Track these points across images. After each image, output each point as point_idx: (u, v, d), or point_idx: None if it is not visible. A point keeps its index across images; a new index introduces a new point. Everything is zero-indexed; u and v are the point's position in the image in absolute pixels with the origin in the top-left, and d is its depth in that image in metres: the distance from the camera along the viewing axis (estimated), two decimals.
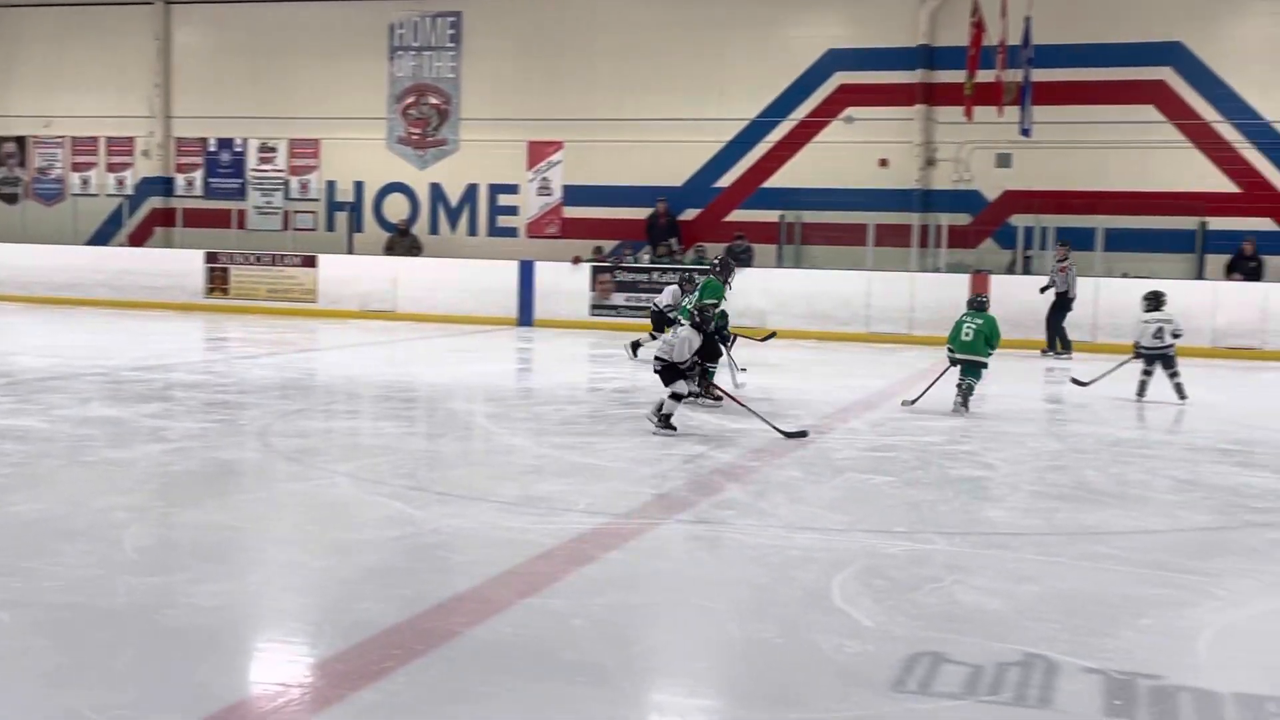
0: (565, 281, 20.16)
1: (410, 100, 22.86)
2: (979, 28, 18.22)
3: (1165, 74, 19.00)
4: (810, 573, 5.49)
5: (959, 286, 18.32)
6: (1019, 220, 19.28)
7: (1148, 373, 12.18)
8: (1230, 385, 14.13)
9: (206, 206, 23.90)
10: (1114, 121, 19.02)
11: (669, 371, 9.22)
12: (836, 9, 20.65)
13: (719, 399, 10.36)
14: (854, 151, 20.24)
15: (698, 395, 10.23)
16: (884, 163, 20.19)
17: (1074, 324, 16.91)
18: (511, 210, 22.36)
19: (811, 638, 4.62)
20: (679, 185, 21.13)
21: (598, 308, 20.01)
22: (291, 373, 13.37)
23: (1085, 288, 17.01)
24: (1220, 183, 18.80)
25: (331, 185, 23.32)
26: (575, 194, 21.89)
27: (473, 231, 22.55)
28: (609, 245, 21.20)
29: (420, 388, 12.63)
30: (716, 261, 11.46)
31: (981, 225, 19.83)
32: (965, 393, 10.82)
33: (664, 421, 9.12)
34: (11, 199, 25.29)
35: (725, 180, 21.09)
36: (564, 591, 5.16)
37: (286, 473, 7.75)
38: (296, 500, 6.99)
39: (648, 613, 5.03)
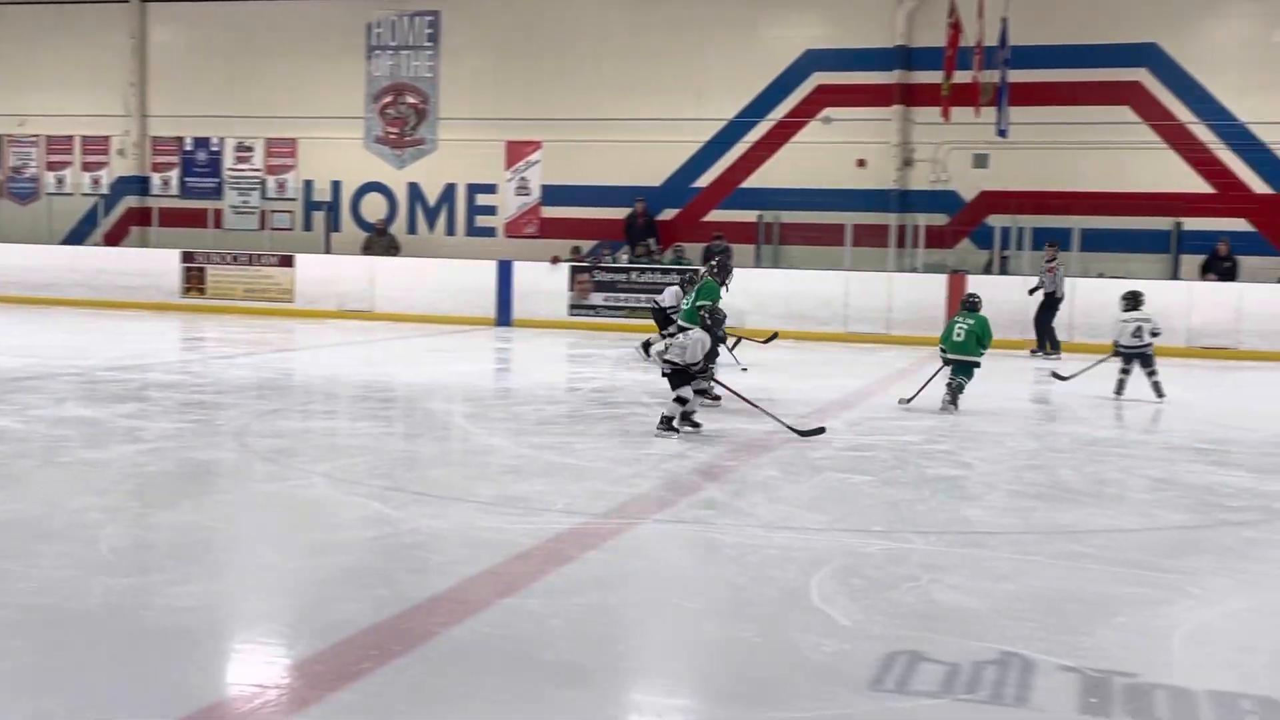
0: (544, 281, 20.15)
1: (388, 100, 22.80)
2: (956, 29, 18.29)
3: (1141, 75, 19.11)
4: (788, 572, 5.49)
5: (936, 287, 18.43)
6: (996, 220, 19.36)
7: (1125, 371, 12.29)
8: (1205, 385, 14.22)
9: (183, 206, 23.80)
10: (1090, 122, 19.12)
11: (678, 375, 9.20)
12: (814, 10, 20.69)
13: (717, 399, 10.36)
14: (832, 152, 20.29)
15: (705, 394, 10.20)
16: (862, 163, 20.25)
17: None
18: (490, 210, 22.34)
19: (789, 637, 4.62)
20: (657, 185, 21.15)
21: (576, 308, 20.00)
22: (268, 373, 13.32)
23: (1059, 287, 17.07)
24: (1195, 183, 18.92)
25: (309, 185, 23.24)
26: (553, 194, 21.87)
27: (451, 231, 22.52)
28: (587, 245, 21.20)
29: (398, 388, 12.60)
30: (714, 262, 11.44)
31: (959, 225, 19.91)
32: (955, 391, 10.92)
33: (665, 424, 9.11)
34: None
35: (703, 180, 21.11)
36: (542, 591, 5.15)
37: (263, 473, 7.72)
38: (273, 501, 6.96)
39: (626, 612, 5.03)
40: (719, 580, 5.51)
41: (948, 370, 11.15)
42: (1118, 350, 12.36)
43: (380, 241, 21.98)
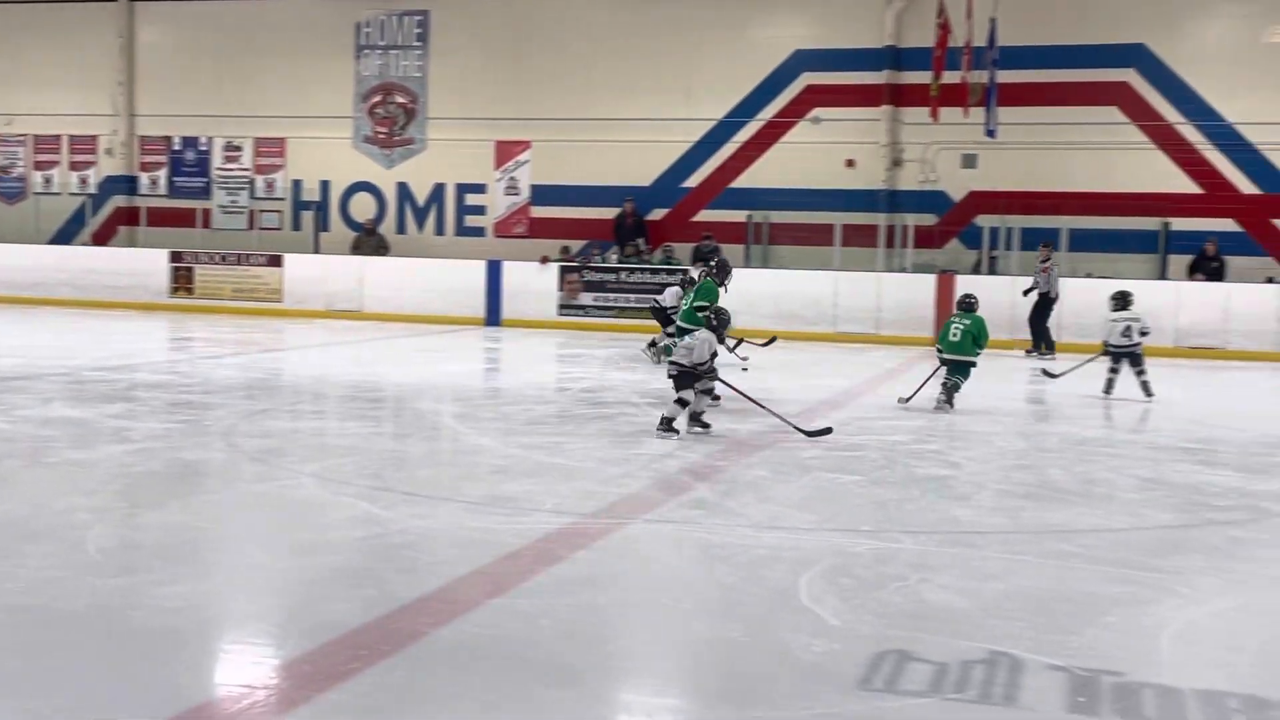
0: (533, 281, 20.14)
1: (377, 99, 22.77)
2: (945, 29, 18.32)
3: (1129, 76, 19.16)
4: (777, 572, 5.50)
5: (925, 287, 18.46)
6: (984, 221, 19.39)
7: (1114, 370, 12.38)
8: (1193, 385, 14.26)
9: (171, 205, 23.75)
10: (1078, 123, 19.16)
11: (684, 376, 9.20)
12: (803, 10, 20.71)
13: (717, 398, 10.35)
14: (821, 152, 20.30)
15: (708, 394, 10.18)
16: (851, 163, 20.27)
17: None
18: (479, 210, 22.32)
19: (778, 636, 4.63)
20: (647, 185, 21.14)
21: (565, 308, 19.99)
22: (257, 373, 13.29)
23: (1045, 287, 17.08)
24: (1183, 184, 18.97)
25: (297, 184, 23.20)
26: (543, 194, 21.86)
27: (440, 231, 22.49)
28: (576, 245, 21.19)
29: (387, 388, 12.58)
30: (713, 263, 11.43)
31: (947, 226, 19.94)
32: (950, 390, 11.01)
33: (666, 425, 9.10)
34: None
35: (693, 180, 21.11)
36: (531, 591, 5.15)
37: (251, 473, 7.71)
38: (261, 501, 6.95)
39: (615, 612, 5.03)
40: (708, 580, 5.51)
41: (945, 370, 11.20)
42: (1107, 349, 12.43)
43: (369, 241, 21.95)
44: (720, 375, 9.41)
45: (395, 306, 20.41)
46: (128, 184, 24.14)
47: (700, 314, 10.74)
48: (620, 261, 20.17)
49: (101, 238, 24.04)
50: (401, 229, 22.62)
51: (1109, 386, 12.34)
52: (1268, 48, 18.75)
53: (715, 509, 6.90)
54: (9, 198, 24.81)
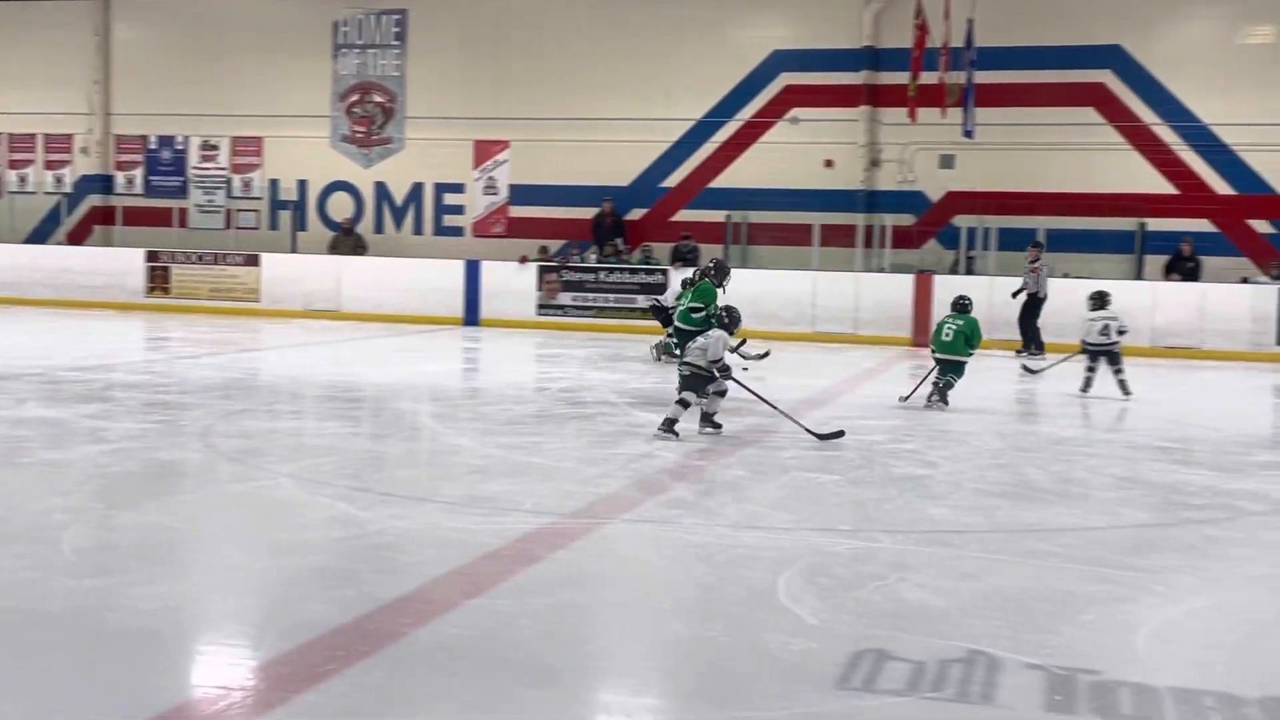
0: (512, 281, 20.11)
1: (355, 98, 22.70)
2: (922, 30, 18.37)
3: (1105, 77, 19.25)
4: (756, 571, 5.51)
5: (904, 287, 18.51)
6: (962, 221, 19.46)
7: (1091, 369, 12.48)
8: (1169, 384, 14.34)
9: (147, 205, 23.62)
10: (1055, 123, 19.24)
11: (695, 378, 9.19)
12: (782, 10, 20.74)
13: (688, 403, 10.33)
14: (799, 152, 20.34)
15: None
16: (829, 163, 20.31)
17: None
18: (457, 209, 22.27)
19: (757, 636, 4.63)
20: (625, 185, 21.14)
21: (544, 307, 19.97)
22: (234, 373, 13.24)
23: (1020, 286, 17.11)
24: (1159, 184, 19.07)
25: (275, 184, 23.11)
26: (522, 193, 21.83)
27: (418, 230, 22.44)
28: (554, 245, 21.17)
29: (365, 388, 12.54)
30: (712, 264, 11.42)
31: (925, 226, 19.99)
32: (944, 389, 11.17)
33: (668, 426, 9.08)
34: None
35: (672, 180, 21.12)
36: (510, 592, 5.14)
37: (229, 474, 7.68)
38: (239, 501, 6.92)
39: (594, 612, 5.03)
40: (687, 580, 5.52)
41: (939, 369, 11.32)
42: (1085, 348, 12.52)
43: (347, 241, 21.87)
44: (734, 374, 9.38)
45: (373, 306, 20.35)
46: (103, 183, 24.00)
47: (695, 315, 10.76)
48: (599, 261, 20.16)
49: (77, 237, 23.90)
50: (379, 229, 22.55)
51: (1086, 385, 12.44)
52: (1242, 49, 18.87)
53: (694, 509, 6.91)
54: None
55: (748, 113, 20.72)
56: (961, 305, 11.63)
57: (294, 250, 21.99)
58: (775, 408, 9.48)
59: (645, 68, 21.02)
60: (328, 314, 20.42)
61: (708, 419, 9.34)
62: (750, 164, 20.65)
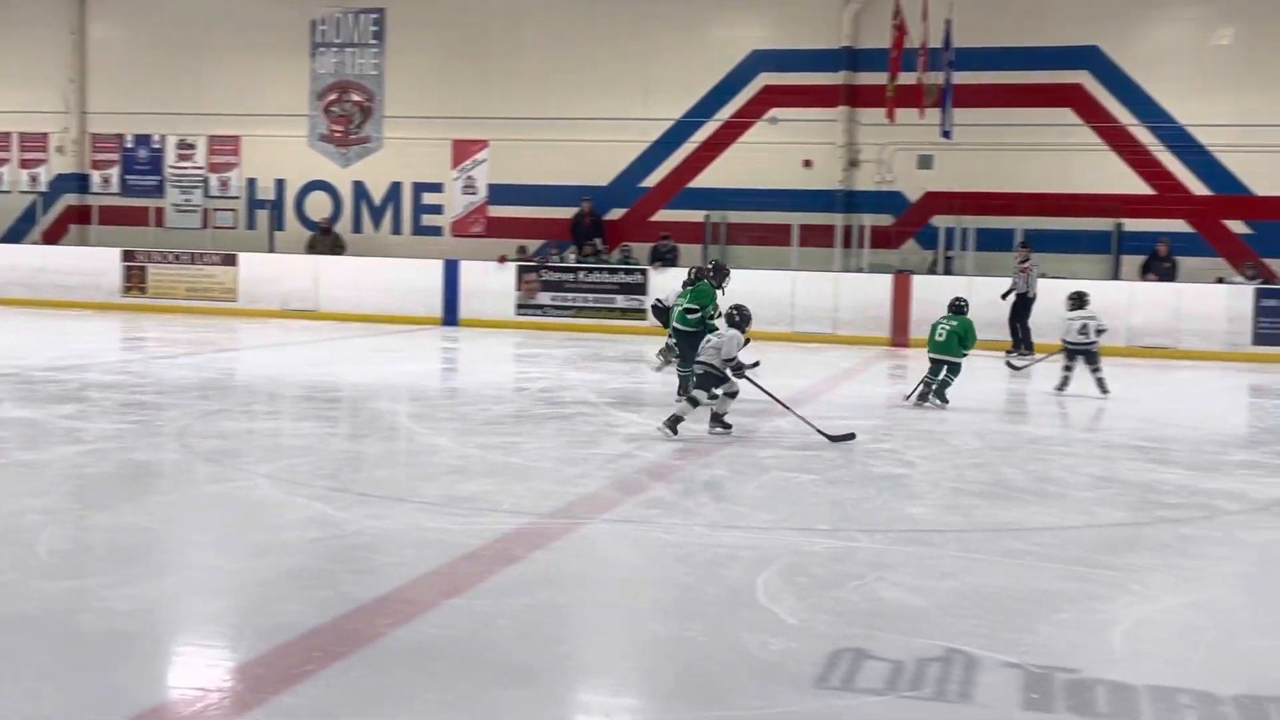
0: (490, 281, 20.07)
1: (333, 97, 22.63)
2: (901, 30, 18.41)
3: (1082, 78, 19.34)
4: (734, 571, 5.51)
5: (882, 287, 18.55)
6: (940, 221, 19.52)
7: (1068, 368, 12.64)
8: (1145, 384, 14.41)
9: (123, 204, 23.49)
10: (1033, 124, 19.32)
11: (708, 377, 9.20)
12: (761, 10, 20.76)
13: (716, 397, 10.32)
14: (778, 152, 20.36)
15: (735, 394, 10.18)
16: (808, 164, 20.34)
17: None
18: (436, 209, 22.23)
19: (736, 636, 4.64)
20: (605, 185, 21.13)
21: (523, 307, 19.95)
22: (211, 373, 13.18)
23: (1005, 287, 17.14)
24: (1135, 185, 19.16)
25: (252, 183, 23.01)
26: (500, 193, 21.80)
27: (396, 230, 22.38)
28: (533, 245, 21.14)
29: (343, 388, 12.50)
30: (710, 265, 11.42)
31: (904, 226, 20.04)
32: (942, 387, 11.35)
33: (673, 423, 9.09)
34: None
35: (651, 180, 21.12)
36: (488, 592, 5.13)
37: (205, 474, 7.64)
38: (215, 502, 6.89)
39: (573, 612, 5.03)
40: (666, 580, 5.52)
41: (941, 369, 11.48)
42: (1065, 347, 12.63)
43: (325, 240, 21.79)
44: (746, 373, 9.38)
45: (351, 306, 20.29)
46: (79, 182, 23.86)
47: (691, 316, 10.77)
48: (578, 261, 20.15)
49: (52, 236, 23.75)
50: (358, 228, 22.48)
51: (1063, 384, 12.57)
52: (1218, 50, 18.98)
53: (673, 509, 6.91)
54: None
55: (727, 113, 20.73)
56: (957, 306, 11.83)
57: (271, 250, 21.91)
58: (788, 408, 9.51)
59: (624, 67, 21.02)
60: (305, 314, 20.35)
61: (718, 419, 9.35)
62: (729, 164, 20.67)
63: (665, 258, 19.80)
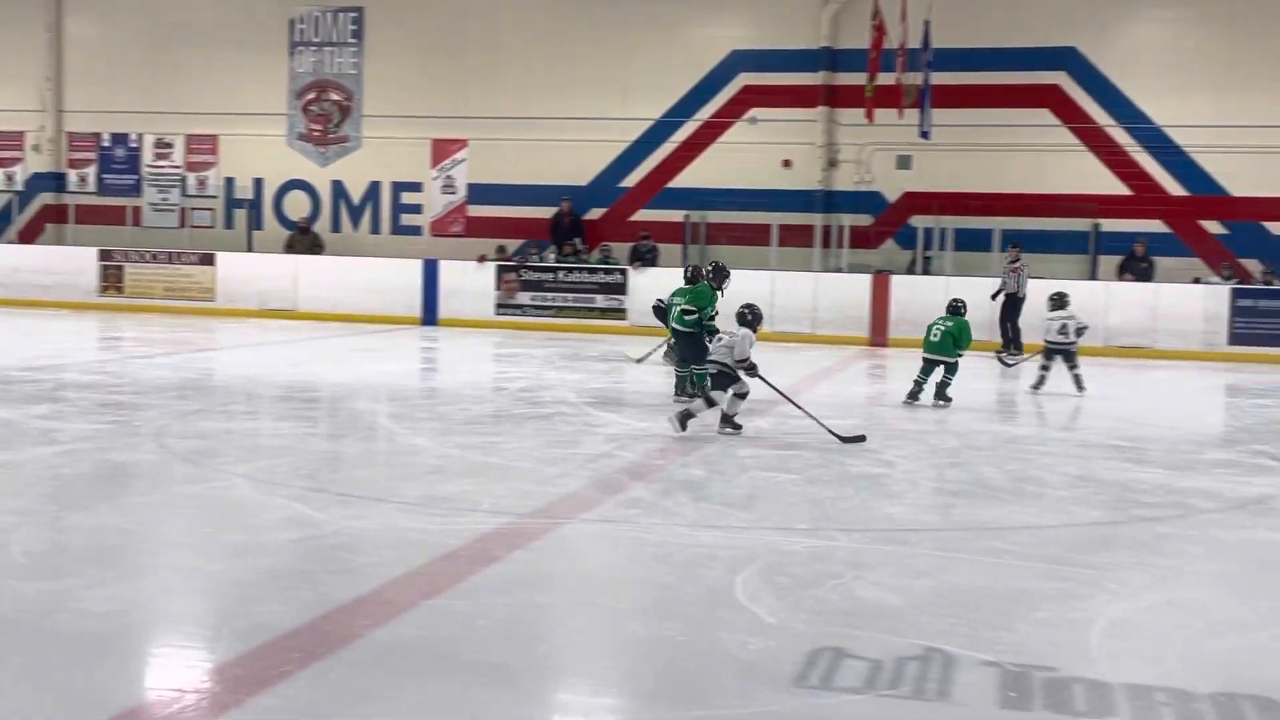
0: (470, 280, 20.03)
1: (311, 96, 22.55)
2: (879, 31, 18.45)
3: (1060, 79, 19.42)
4: (714, 571, 5.52)
5: (861, 287, 18.59)
6: (919, 221, 19.56)
7: (1045, 368, 12.82)
8: (1122, 383, 14.48)
9: (100, 203, 23.36)
10: (1011, 125, 19.39)
11: (722, 376, 9.21)
12: (740, 10, 20.78)
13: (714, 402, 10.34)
14: (758, 152, 20.38)
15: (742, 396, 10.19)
16: (787, 164, 20.36)
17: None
18: (415, 209, 22.17)
19: (715, 635, 4.64)
20: (584, 185, 21.12)
21: (503, 307, 19.92)
22: (189, 373, 13.12)
23: (984, 286, 17.18)
24: (1113, 185, 19.25)
25: (230, 182, 22.91)
26: (480, 192, 21.76)
27: (375, 229, 22.31)
28: (512, 245, 21.11)
29: (322, 388, 12.47)
30: (710, 267, 11.44)
31: (883, 226, 20.10)
32: (941, 387, 11.51)
33: (683, 419, 9.14)
34: None
35: (630, 180, 21.12)
36: (468, 592, 5.13)
37: (183, 474, 7.60)
38: (193, 502, 6.86)
39: (552, 612, 5.02)
40: (645, 579, 5.52)
41: (936, 370, 11.57)
42: (1045, 346, 12.78)
43: (303, 240, 21.71)
44: (759, 373, 9.41)
45: (330, 306, 20.22)
46: (55, 181, 23.72)
47: (688, 317, 10.79)
48: (558, 261, 20.13)
49: (28, 236, 23.60)
50: (336, 227, 22.41)
51: (1039, 383, 12.71)
52: (1195, 52, 19.07)
53: (652, 508, 6.91)
54: None
55: (706, 113, 20.75)
56: (954, 308, 11.98)
57: (250, 249, 21.81)
58: (801, 408, 9.53)
59: (604, 67, 21.01)
60: (284, 313, 20.27)
61: (728, 420, 9.36)
62: (709, 164, 20.68)
63: (645, 257, 19.80)
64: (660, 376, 13.06)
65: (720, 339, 9.56)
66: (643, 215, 20.90)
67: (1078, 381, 12.55)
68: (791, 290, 18.81)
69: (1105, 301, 17.63)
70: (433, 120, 21.75)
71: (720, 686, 4.14)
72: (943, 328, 11.62)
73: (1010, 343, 16.94)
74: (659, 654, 4.49)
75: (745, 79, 20.56)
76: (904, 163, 19.94)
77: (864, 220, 20.04)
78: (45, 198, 23.72)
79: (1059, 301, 12.94)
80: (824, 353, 16.92)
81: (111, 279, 21.38)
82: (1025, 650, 4.56)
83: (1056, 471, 8.58)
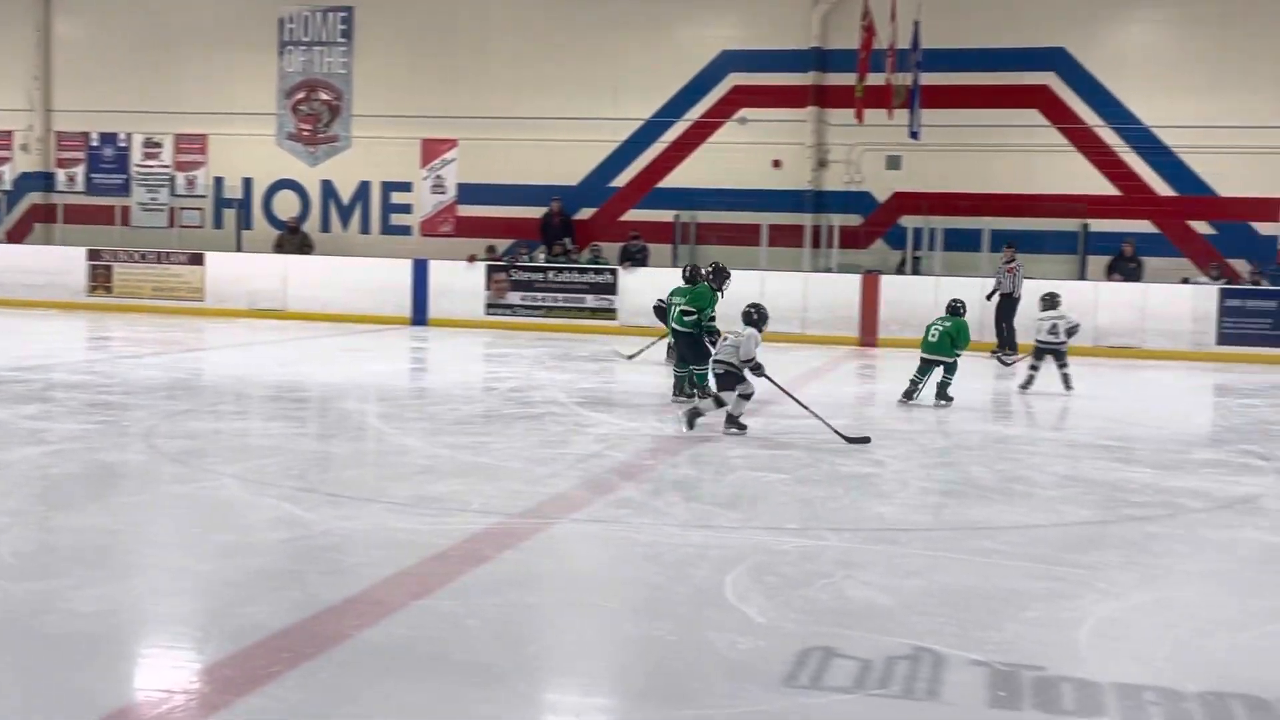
0: (460, 280, 20.01)
1: (301, 96, 22.51)
2: (869, 31, 18.48)
3: (1049, 79, 19.46)
4: (703, 570, 5.52)
5: (851, 287, 18.61)
6: (909, 221, 19.59)
7: (1035, 367, 12.88)
8: (1110, 383, 14.51)
9: (89, 202, 23.30)
10: (1000, 125, 19.43)
11: (729, 376, 9.23)
12: (730, 10, 20.79)
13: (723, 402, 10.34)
14: (748, 152, 20.40)
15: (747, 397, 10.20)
16: (777, 164, 20.39)
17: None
18: (405, 208, 22.15)
19: (705, 635, 4.64)
20: (574, 185, 21.11)
21: (493, 307, 19.90)
22: (178, 373, 13.09)
23: (973, 286, 17.19)
24: (1101, 185, 19.31)
25: (219, 181, 22.87)
26: (470, 192, 21.74)
27: (365, 229, 22.29)
28: (502, 244, 21.10)
29: (311, 388, 12.45)
30: (710, 268, 11.45)
31: (872, 226, 20.12)
32: (942, 387, 11.58)
33: (692, 417, 9.27)
34: None
35: (620, 180, 21.12)
36: (458, 592, 5.12)
37: (171, 475, 7.59)
38: (182, 503, 6.84)
39: (542, 612, 5.02)
40: (635, 579, 5.52)
41: (936, 370, 11.62)
42: (1036, 346, 12.92)
43: (293, 240, 21.67)
44: (765, 372, 9.43)
45: (320, 306, 20.18)
46: (44, 180, 23.65)
47: (688, 318, 10.80)
48: (547, 261, 20.12)
49: (17, 235, 23.53)
50: (326, 227, 22.37)
51: (1028, 382, 12.79)
52: (1183, 53, 19.13)
53: (642, 508, 6.91)
54: None
55: (696, 113, 20.76)
56: (953, 308, 12.06)
57: (239, 249, 21.77)
58: (807, 408, 9.54)
59: (594, 67, 21.01)
60: (273, 313, 20.24)
61: (733, 420, 9.37)
62: (699, 164, 20.69)
63: (635, 257, 19.80)
64: (650, 376, 13.06)
65: (726, 339, 9.57)
66: (633, 215, 20.90)
67: (1066, 381, 12.62)
68: (781, 290, 18.75)
69: (1094, 301, 17.67)
70: (422, 120, 21.73)
71: (710, 686, 4.14)
72: (941, 328, 11.68)
73: (1005, 343, 16.96)
74: (649, 654, 4.49)
75: (735, 79, 20.58)
76: (893, 163, 19.98)
77: (854, 220, 20.07)
78: (34, 197, 23.65)
79: (1050, 301, 13.02)
80: (813, 353, 16.93)
81: (100, 279, 21.33)
82: (1014, 649, 4.57)
83: (1046, 471, 8.59)
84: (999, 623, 4.90)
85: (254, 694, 3.91)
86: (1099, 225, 18.90)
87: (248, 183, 22.75)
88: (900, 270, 19.26)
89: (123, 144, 23.33)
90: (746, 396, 9.38)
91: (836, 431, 9.15)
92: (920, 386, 11.60)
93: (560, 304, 19.56)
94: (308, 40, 22.37)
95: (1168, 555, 6.31)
